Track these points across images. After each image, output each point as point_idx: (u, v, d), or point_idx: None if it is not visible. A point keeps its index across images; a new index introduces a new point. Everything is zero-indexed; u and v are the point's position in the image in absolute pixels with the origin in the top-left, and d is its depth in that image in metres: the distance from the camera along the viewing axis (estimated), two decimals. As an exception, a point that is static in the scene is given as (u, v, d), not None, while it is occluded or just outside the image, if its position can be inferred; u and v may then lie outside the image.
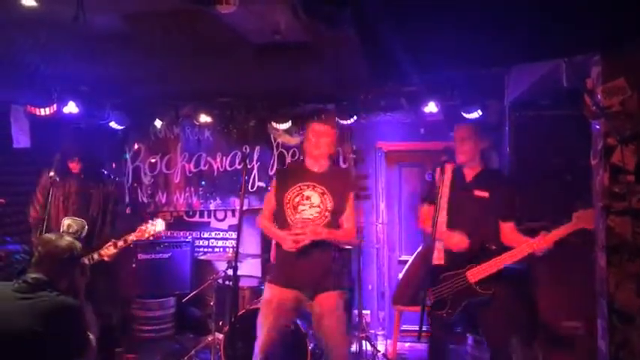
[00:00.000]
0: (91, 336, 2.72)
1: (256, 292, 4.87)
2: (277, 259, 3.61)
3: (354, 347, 5.07)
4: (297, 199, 3.42)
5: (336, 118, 5.70)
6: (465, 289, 3.41)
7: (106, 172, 4.36)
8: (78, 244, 2.77)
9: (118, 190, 4.29)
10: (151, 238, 3.98)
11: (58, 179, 3.88)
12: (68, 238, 2.75)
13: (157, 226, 3.89)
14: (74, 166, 4.08)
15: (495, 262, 3.34)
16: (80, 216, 4.01)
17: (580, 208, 3.17)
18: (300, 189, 3.43)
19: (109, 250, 3.84)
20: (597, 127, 2.78)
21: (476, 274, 3.38)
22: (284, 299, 3.37)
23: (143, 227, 3.89)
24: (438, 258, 3.53)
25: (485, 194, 3.47)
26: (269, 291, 3.45)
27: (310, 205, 3.40)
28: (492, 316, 3.46)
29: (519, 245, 3.33)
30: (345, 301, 3.43)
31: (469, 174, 3.57)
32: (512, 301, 3.57)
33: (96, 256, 3.83)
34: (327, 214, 3.37)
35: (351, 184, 3.57)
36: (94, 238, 3.99)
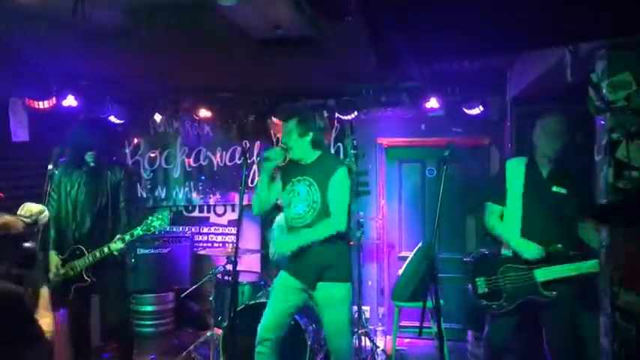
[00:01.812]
0: (46, 326, 2.47)
1: (256, 287, 4.85)
2: None
3: (353, 343, 5.06)
4: (290, 196, 3.44)
5: (336, 119, 5.71)
6: (528, 286, 3.24)
7: (115, 159, 4.27)
8: (17, 224, 2.53)
9: (130, 178, 4.18)
10: (156, 232, 3.94)
11: (56, 172, 3.84)
12: (7, 217, 2.52)
13: (164, 219, 3.85)
14: (89, 158, 4.00)
15: (569, 268, 3.14)
16: (87, 207, 3.94)
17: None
18: (293, 184, 3.45)
19: (117, 245, 3.81)
20: (602, 122, 2.75)
21: (545, 273, 3.19)
22: (289, 286, 3.43)
23: (149, 221, 3.86)
24: (505, 247, 3.39)
25: (564, 191, 3.24)
26: (279, 277, 3.53)
27: (299, 200, 3.40)
28: (554, 326, 3.27)
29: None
30: (348, 294, 3.40)
31: (545, 169, 3.35)
32: (579, 312, 3.26)
33: (106, 249, 3.81)
34: (315, 205, 3.35)
35: (334, 167, 3.37)
36: (106, 229, 3.92)
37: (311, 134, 3.43)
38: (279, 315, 3.44)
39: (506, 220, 3.41)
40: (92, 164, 3.98)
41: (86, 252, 3.85)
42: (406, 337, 5.68)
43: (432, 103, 5.24)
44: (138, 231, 3.84)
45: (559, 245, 3.18)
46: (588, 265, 3.07)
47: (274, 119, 5.90)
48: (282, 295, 3.46)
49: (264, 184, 3.46)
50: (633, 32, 2.23)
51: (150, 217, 3.88)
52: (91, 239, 3.89)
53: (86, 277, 3.86)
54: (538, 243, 3.22)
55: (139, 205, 6.20)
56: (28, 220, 2.96)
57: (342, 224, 3.30)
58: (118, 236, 3.84)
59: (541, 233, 3.24)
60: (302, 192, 3.40)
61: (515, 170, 3.37)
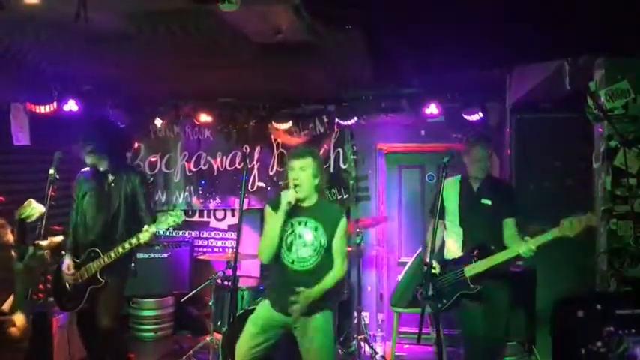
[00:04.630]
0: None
1: (255, 292, 4.84)
2: (272, 279, 3.56)
3: (352, 348, 5.06)
4: (290, 239, 3.31)
5: (336, 125, 5.72)
6: (460, 282, 3.68)
7: (129, 164, 4.23)
8: None
9: (147, 184, 4.19)
10: (170, 228, 3.96)
11: (58, 177, 3.84)
12: None
13: (178, 216, 3.82)
14: (102, 162, 4.02)
15: (489, 260, 3.59)
16: (100, 210, 3.97)
17: (574, 215, 3.15)
18: (292, 226, 3.32)
19: (145, 235, 3.78)
20: (600, 129, 2.77)
21: (471, 269, 3.64)
22: (272, 320, 3.34)
23: (163, 218, 3.81)
24: (453, 252, 3.86)
25: (489, 202, 3.80)
26: (261, 308, 3.42)
27: (304, 243, 3.30)
28: (474, 311, 3.68)
29: (511, 245, 3.59)
30: (331, 322, 3.35)
31: (475, 185, 3.90)
32: (502, 303, 3.75)
33: (134, 240, 3.79)
34: (320, 249, 3.29)
35: (340, 214, 3.41)
36: (119, 232, 3.93)
37: (319, 176, 3.37)
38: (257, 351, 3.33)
39: (449, 229, 3.95)
40: (108, 172, 4.02)
41: (101, 254, 3.85)
42: (405, 343, 5.67)
43: (432, 109, 5.26)
44: (153, 228, 3.79)
45: None
46: (500, 256, 3.56)
47: (274, 124, 5.91)
48: (257, 341, 3.32)
49: (278, 228, 3.27)
50: (630, 46, 2.25)
51: (163, 215, 3.84)
52: (104, 241, 3.90)
53: (100, 279, 3.85)
54: (475, 244, 3.72)
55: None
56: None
57: (343, 272, 3.40)
58: (145, 227, 3.80)
59: (477, 237, 3.74)
60: (305, 235, 3.30)
61: (451, 188, 3.90)
